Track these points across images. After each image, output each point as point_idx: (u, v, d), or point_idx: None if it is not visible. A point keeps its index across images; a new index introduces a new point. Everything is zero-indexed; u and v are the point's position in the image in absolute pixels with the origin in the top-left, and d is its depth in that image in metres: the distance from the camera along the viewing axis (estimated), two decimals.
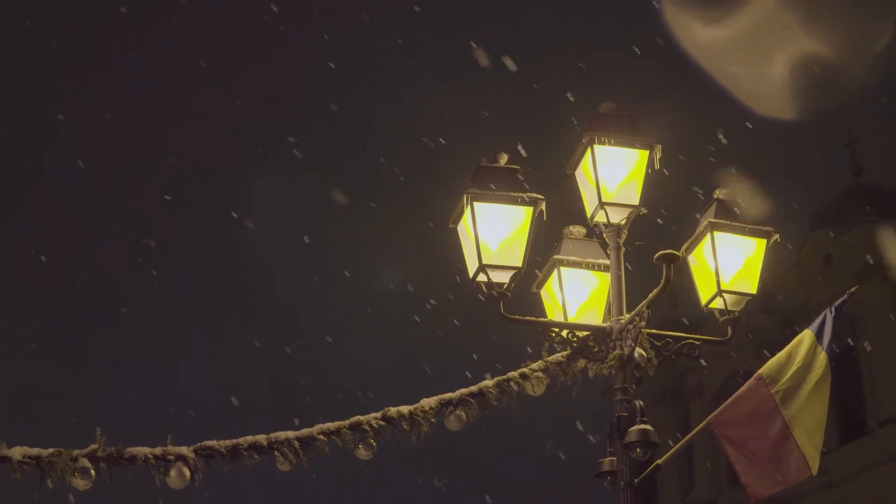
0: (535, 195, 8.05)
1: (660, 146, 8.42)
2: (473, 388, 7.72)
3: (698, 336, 8.48)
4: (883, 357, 34.32)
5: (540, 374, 8.03)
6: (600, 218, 8.41)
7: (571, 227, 8.86)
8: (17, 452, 6.80)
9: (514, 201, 8.04)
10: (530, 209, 8.06)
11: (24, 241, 76.90)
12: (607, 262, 8.55)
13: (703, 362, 37.15)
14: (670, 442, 9.08)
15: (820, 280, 34.25)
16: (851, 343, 35.45)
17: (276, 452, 7.02)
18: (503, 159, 8.15)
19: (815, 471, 8.16)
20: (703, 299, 8.57)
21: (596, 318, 8.58)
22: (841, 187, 38.24)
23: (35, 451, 6.83)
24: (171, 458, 6.81)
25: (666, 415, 37.79)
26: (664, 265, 7.86)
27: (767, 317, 35.88)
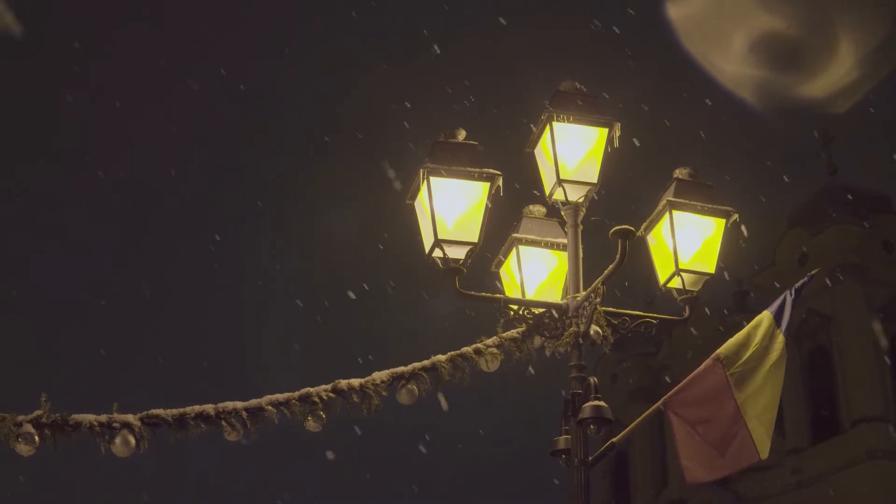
0: (492, 171, 8.00)
1: (619, 124, 8.38)
2: (426, 363, 7.66)
3: (655, 314, 8.44)
4: (856, 357, 34.44)
5: (494, 350, 7.98)
6: (558, 195, 8.36)
7: (531, 206, 8.81)
8: None
9: (470, 176, 7.99)
10: (487, 185, 8.01)
11: None
12: (566, 241, 8.50)
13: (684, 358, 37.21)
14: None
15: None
16: (825, 343, 35.58)
17: (223, 422, 6.96)
18: (461, 135, 8.09)
19: (764, 455, 8.09)
20: (662, 279, 8.53)
21: (555, 298, 8.52)
22: (817, 187, 38.40)
23: None
24: (117, 425, 6.75)
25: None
26: (619, 241, 7.83)
27: (742, 316, 35.98)
